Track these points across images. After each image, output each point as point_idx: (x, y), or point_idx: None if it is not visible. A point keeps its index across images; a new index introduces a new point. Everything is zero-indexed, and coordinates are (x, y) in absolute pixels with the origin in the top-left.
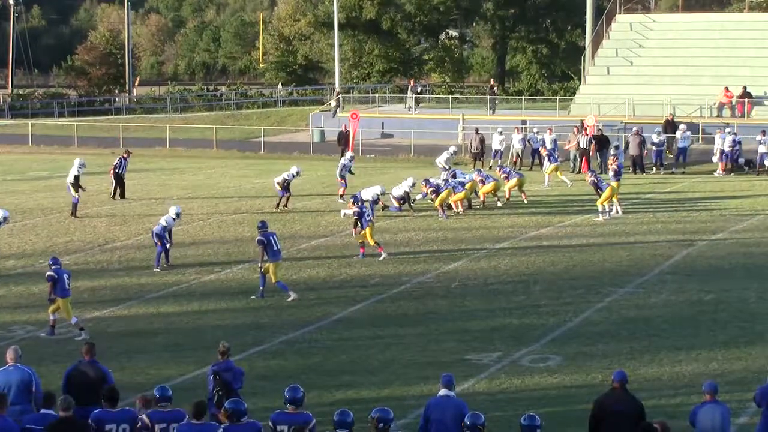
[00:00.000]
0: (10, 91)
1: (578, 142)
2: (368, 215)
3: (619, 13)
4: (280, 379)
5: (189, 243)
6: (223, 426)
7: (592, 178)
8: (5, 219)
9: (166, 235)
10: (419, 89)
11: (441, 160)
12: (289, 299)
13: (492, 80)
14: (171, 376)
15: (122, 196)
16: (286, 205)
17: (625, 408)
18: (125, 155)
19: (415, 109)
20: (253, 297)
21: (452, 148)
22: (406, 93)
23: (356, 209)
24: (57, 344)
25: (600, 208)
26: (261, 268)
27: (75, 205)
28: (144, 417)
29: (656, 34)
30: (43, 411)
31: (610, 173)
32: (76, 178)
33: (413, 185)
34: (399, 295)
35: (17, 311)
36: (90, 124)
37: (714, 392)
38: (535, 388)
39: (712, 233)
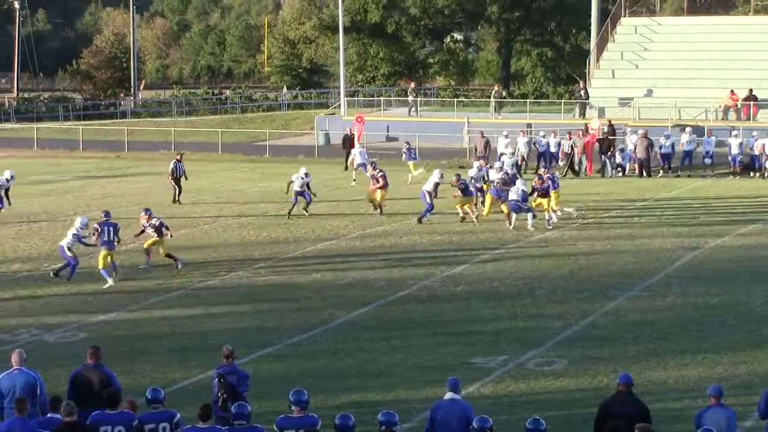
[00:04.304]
0: (15, 94)
1: (581, 145)
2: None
3: (624, 16)
4: (285, 382)
5: (194, 247)
6: (227, 428)
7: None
8: (12, 177)
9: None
10: (503, 94)
11: (430, 181)
12: (105, 286)
13: (582, 82)
14: (176, 379)
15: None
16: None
17: (631, 411)
18: (179, 157)
19: (500, 114)
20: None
21: (436, 171)
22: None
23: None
24: (62, 348)
25: (546, 216)
26: (88, 244)
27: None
28: (136, 421)
29: (661, 37)
30: (49, 415)
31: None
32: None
33: (441, 176)
34: (404, 298)
35: (23, 315)
36: (95, 128)
37: (719, 396)
38: (541, 391)
39: (718, 236)
